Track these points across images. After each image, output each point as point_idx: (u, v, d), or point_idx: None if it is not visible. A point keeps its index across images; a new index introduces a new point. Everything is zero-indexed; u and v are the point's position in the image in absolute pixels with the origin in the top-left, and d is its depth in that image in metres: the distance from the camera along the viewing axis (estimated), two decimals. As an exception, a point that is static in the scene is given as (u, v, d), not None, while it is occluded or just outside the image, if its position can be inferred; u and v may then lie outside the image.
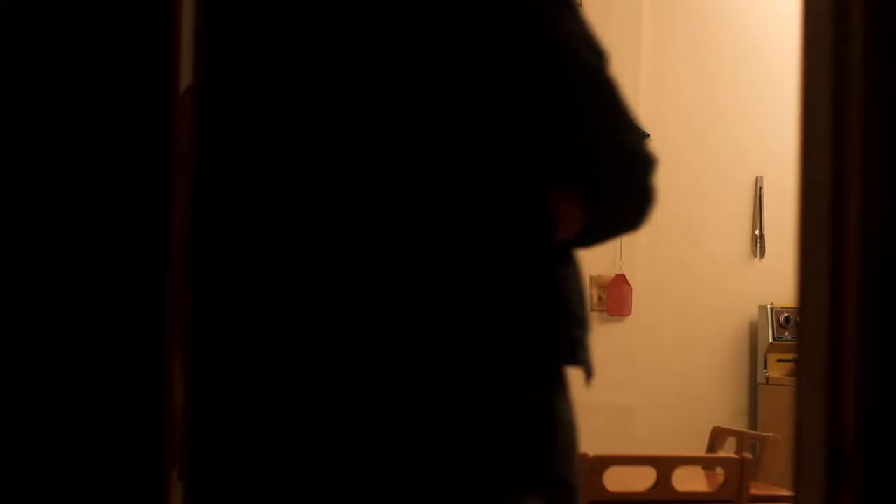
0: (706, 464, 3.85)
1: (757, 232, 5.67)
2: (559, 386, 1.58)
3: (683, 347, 5.60)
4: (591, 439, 5.36)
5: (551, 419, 1.55)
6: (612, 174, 1.61)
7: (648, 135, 5.64)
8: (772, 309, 5.49)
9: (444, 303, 1.50)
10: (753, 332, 5.62)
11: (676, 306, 5.61)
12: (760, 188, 5.67)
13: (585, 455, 3.28)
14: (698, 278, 5.61)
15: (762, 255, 5.67)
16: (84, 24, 1.23)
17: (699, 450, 4.36)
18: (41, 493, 1.23)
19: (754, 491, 3.44)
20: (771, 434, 3.93)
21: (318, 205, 1.51)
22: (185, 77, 1.33)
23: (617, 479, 3.34)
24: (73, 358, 1.25)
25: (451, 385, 1.50)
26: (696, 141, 5.64)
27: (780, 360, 5.48)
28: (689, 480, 3.57)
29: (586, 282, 5.60)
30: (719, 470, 3.58)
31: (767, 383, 5.49)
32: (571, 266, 1.62)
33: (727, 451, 4.19)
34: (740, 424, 5.49)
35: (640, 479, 3.39)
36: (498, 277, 1.51)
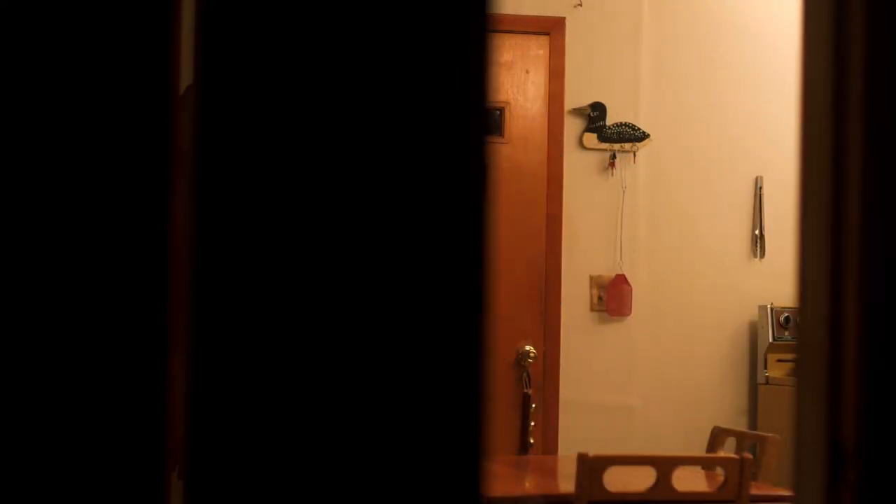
0: (706, 464, 3.85)
1: (757, 232, 5.67)
2: None
3: (683, 347, 5.60)
4: (591, 439, 5.37)
5: None
6: None
7: (648, 135, 5.65)
8: (772, 309, 5.49)
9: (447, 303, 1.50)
10: (753, 332, 5.63)
11: (676, 306, 5.61)
12: (760, 188, 5.67)
13: (585, 455, 3.28)
14: (698, 278, 5.61)
15: (762, 255, 5.67)
16: (83, 23, 1.23)
17: (699, 450, 4.36)
18: (40, 493, 1.23)
19: (754, 491, 3.44)
20: (771, 434, 3.93)
21: (320, 204, 1.51)
22: (186, 77, 1.33)
23: (617, 479, 3.34)
24: (71, 356, 1.25)
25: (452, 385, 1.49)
26: (697, 140, 5.64)
27: (780, 360, 5.48)
28: (689, 480, 3.57)
29: (586, 282, 5.57)
30: (719, 470, 3.58)
31: (767, 383, 5.49)
32: None
33: (727, 451, 4.19)
34: (740, 424, 5.49)
35: (640, 479, 3.39)
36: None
